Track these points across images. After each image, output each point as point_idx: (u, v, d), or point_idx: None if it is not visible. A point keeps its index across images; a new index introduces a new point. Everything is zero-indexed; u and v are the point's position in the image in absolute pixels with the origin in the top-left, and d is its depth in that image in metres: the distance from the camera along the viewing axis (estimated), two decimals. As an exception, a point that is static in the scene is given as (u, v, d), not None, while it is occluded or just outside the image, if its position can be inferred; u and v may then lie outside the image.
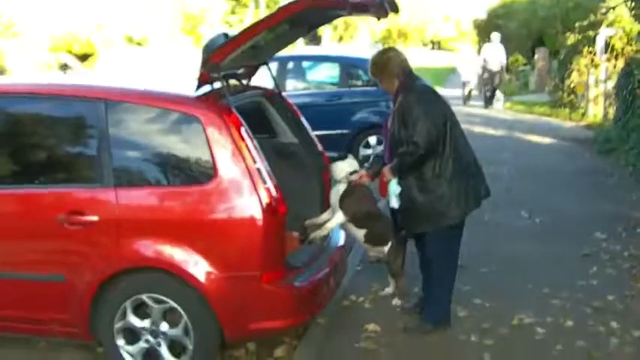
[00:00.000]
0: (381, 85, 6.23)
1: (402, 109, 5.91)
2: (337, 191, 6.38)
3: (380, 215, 6.46)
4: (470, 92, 26.68)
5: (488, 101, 25.57)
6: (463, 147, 6.03)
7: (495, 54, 24.99)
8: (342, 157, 6.56)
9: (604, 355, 5.79)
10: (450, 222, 5.97)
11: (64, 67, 28.05)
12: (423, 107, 5.83)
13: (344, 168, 6.44)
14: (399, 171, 5.98)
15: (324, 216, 6.45)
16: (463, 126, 6.18)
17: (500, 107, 25.30)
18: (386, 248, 6.48)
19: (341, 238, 6.71)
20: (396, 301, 6.76)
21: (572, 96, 23.44)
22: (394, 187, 6.01)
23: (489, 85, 25.55)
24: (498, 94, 25.81)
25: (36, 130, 5.88)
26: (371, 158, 11.94)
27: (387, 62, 6.11)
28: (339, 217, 6.30)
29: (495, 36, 25.36)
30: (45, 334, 5.84)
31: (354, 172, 6.43)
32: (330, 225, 6.31)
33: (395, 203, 6.07)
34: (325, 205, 6.55)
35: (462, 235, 6.18)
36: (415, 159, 5.84)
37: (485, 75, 25.41)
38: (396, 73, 6.06)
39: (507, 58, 27.20)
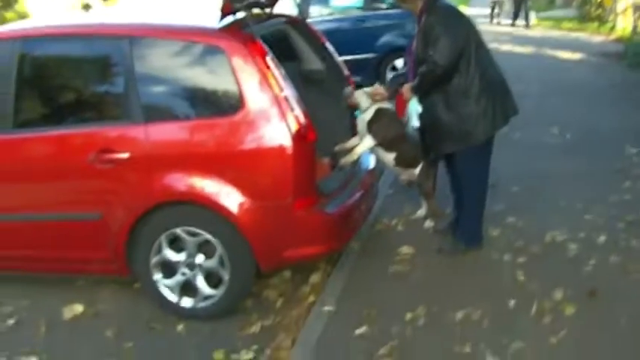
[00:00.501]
0: (405, 6, 6.18)
1: (425, 29, 5.87)
2: (363, 119, 6.35)
3: (408, 137, 6.43)
4: (500, 10, 26.29)
5: (516, 18, 25.14)
6: (489, 65, 5.97)
7: None
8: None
9: (638, 269, 5.78)
10: (477, 141, 5.94)
11: (87, 7, 27.93)
12: (444, 26, 5.77)
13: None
14: (419, 89, 5.96)
15: (353, 141, 6.43)
16: (491, 45, 6.13)
17: (531, 24, 24.77)
18: (416, 170, 6.49)
19: (371, 162, 6.72)
20: (428, 223, 6.79)
21: (600, 10, 23.09)
22: (415, 106, 5.98)
23: (519, 3, 24.99)
24: (529, 11, 25.19)
25: (63, 72, 5.91)
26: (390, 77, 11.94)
27: None
28: (368, 141, 6.28)
29: None
30: (83, 272, 5.97)
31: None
32: (359, 150, 6.29)
33: (416, 122, 6.04)
34: (354, 130, 6.53)
35: (491, 154, 6.14)
36: (434, 76, 5.80)
37: None
38: None
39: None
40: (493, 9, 26.45)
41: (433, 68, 5.75)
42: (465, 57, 5.77)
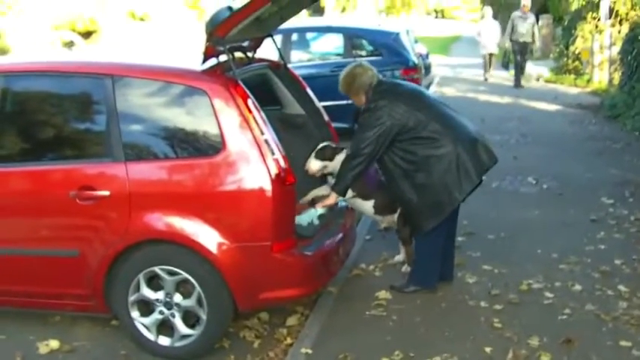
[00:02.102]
0: (351, 99, 6.34)
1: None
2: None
3: (384, 184, 6.45)
4: (491, 63, 23.81)
5: (518, 80, 22.12)
6: (444, 128, 5.97)
7: (526, 23, 21.98)
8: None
9: (612, 318, 5.83)
10: (454, 205, 6.04)
11: (70, 44, 28.00)
12: (370, 113, 5.95)
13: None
14: (343, 184, 6.06)
15: (323, 189, 6.44)
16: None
17: (527, 78, 22.79)
18: (396, 216, 6.52)
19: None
20: (405, 268, 6.80)
21: (577, 62, 23.39)
22: (313, 212, 6.10)
23: (520, 58, 22.24)
24: (529, 66, 23.22)
25: (45, 108, 5.91)
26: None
27: (354, 79, 6.21)
28: (347, 194, 6.29)
29: (526, 1, 21.86)
30: (60, 308, 5.91)
31: None
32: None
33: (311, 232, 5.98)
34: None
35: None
36: (353, 165, 5.95)
37: (516, 47, 22.05)
38: (364, 90, 6.15)
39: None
40: (490, 62, 23.71)
41: (346, 160, 6.01)
42: (415, 132, 5.88)
